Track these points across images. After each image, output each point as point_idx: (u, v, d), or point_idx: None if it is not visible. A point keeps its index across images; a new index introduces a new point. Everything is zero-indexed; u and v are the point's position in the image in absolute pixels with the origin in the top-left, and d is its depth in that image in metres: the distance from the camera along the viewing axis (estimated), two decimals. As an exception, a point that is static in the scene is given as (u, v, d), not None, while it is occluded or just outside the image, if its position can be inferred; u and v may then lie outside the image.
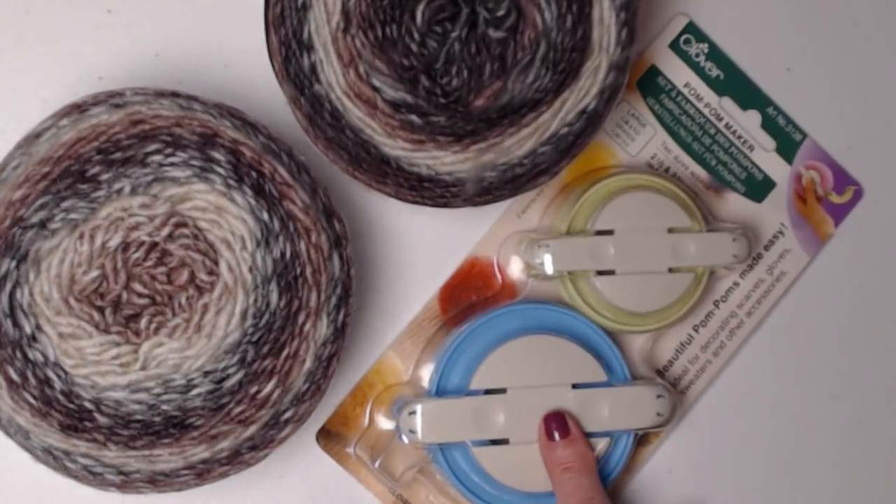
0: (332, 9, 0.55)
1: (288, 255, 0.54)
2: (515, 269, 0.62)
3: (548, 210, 0.63)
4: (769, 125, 0.65)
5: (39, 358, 0.53)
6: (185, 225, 0.54)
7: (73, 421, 0.53)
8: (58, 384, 0.53)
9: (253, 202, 0.54)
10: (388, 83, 0.55)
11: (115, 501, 0.58)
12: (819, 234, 0.65)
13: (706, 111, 0.64)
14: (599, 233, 0.60)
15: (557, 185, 0.63)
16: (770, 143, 0.65)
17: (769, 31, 0.65)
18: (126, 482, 0.54)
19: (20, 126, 0.57)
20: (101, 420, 0.53)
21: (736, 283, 0.64)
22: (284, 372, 0.54)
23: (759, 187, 0.64)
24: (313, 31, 0.55)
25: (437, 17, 0.56)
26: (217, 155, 0.54)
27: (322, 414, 0.61)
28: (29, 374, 0.53)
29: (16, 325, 0.53)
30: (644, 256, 0.60)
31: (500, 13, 0.56)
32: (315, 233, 0.55)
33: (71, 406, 0.53)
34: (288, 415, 0.55)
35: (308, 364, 0.55)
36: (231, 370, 0.54)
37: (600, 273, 0.60)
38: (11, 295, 0.53)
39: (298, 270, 0.54)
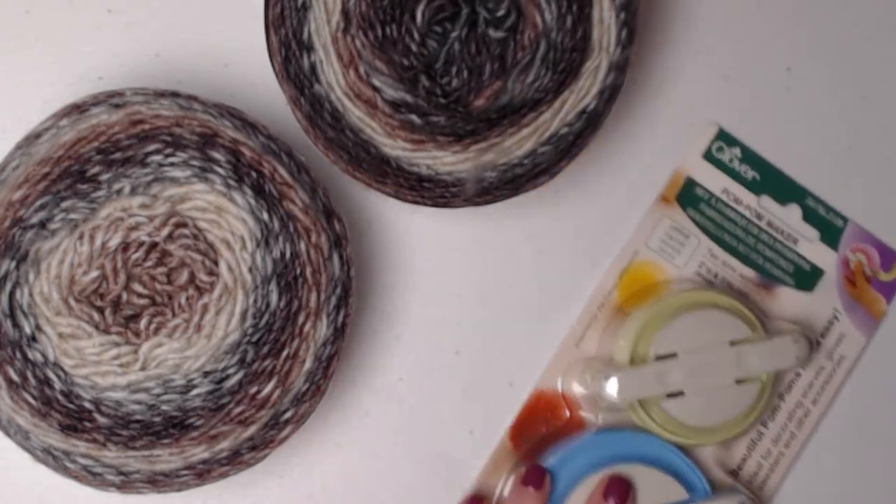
0: (332, 9, 0.55)
1: (288, 255, 0.54)
2: (581, 398, 0.63)
3: (604, 335, 0.63)
4: (810, 216, 0.64)
5: (39, 358, 0.53)
6: (184, 225, 0.54)
7: (72, 421, 0.53)
8: (57, 384, 0.53)
9: (253, 202, 0.54)
10: (388, 83, 0.55)
11: (115, 501, 0.58)
12: (872, 313, 0.65)
13: (746, 213, 0.64)
14: (661, 357, 0.60)
15: (611, 309, 0.63)
16: (813, 233, 0.64)
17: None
18: (126, 482, 0.54)
19: (20, 126, 0.57)
20: (101, 420, 0.53)
21: (798, 374, 0.64)
22: (284, 372, 0.54)
23: (808, 278, 0.64)
24: (313, 31, 0.55)
25: (437, 16, 0.56)
26: (217, 155, 0.54)
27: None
28: (29, 374, 0.53)
29: (15, 325, 0.53)
30: (710, 374, 0.60)
31: (500, 13, 0.56)
32: (315, 233, 0.55)
33: (71, 406, 0.53)
34: (288, 415, 0.55)
35: (308, 364, 0.55)
36: (231, 370, 0.54)
37: (669, 395, 0.60)
38: (11, 295, 0.53)
39: (298, 270, 0.54)
